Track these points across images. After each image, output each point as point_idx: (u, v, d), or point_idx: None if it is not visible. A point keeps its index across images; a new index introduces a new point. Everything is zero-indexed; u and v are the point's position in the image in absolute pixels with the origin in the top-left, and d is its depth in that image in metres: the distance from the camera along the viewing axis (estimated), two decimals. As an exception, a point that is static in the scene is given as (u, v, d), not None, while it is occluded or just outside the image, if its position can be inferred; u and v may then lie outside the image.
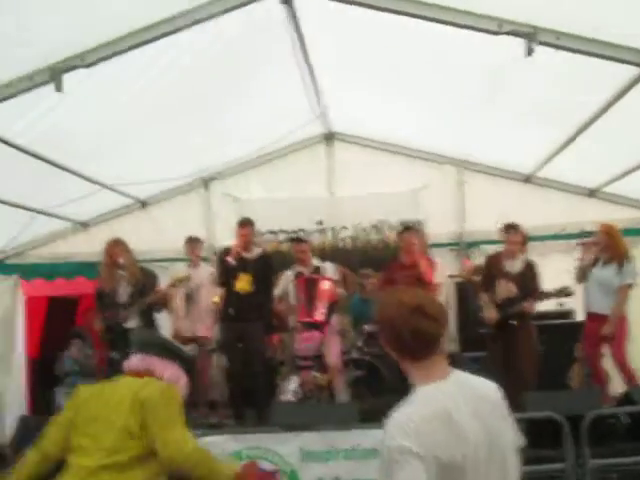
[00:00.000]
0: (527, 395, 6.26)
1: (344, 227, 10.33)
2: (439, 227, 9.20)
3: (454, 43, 6.25)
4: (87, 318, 10.22)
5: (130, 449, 3.50)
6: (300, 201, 10.30)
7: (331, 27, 6.82)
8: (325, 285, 7.91)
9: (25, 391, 10.04)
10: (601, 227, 7.87)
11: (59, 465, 3.61)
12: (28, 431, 6.54)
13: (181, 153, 8.94)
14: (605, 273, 7.66)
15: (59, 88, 5.56)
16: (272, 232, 10.35)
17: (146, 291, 7.92)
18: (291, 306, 8.26)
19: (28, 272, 10.19)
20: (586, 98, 6.94)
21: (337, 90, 8.54)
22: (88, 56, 5.63)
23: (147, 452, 3.52)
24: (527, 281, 7.69)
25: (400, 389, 2.71)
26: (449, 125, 8.94)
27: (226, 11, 5.81)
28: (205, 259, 9.42)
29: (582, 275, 7.79)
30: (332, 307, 7.97)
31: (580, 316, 8.68)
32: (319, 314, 7.85)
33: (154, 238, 10.19)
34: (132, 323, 7.83)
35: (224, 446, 5.63)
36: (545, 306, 8.84)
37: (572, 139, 8.07)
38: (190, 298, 8.80)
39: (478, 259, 9.43)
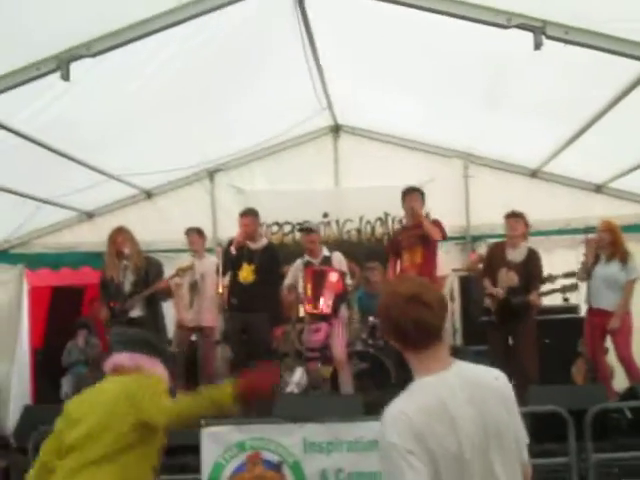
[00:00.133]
0: (531, 389, 6.27)
1: (349, 220, 10.32)
2: (445, 221, 9.13)
3: (462, 36, 6.23)
4: (93, 308, 10.25)
5: (109, 444, 3.53)
6: (305, 193, 10.29)
7: (339, 19, 6.81)
8: (333, 277, 7.88)
9: (29, 381, 10.07)
10: (603, 224, 7.87)
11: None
12: (32, 421, 6.56)
13: (186, 144, 8.94)
14: (610, 269, 7.67)
15: (66, 77, 5.54)
16: (277, 224, 10.36)
17: (150, 280, 7.92)
18: (300, 296, 8.25)
19: (33, 262, 10.21)
20: (594, 93, 6.93)
21: (344, 82, 8.53)
22: (95, 45, 5.60)
23: (127, 444, 3.56)
24: (529, 270, 7.70)
25: (404, 382, 2.70)
26: (456, 118, 8.93)
27: (233, 2, 5.78)
28: (210, 250, 9.42)
29: (586, 273, 7.79)
30: (339, 299, 7.94)
31: (584, 312, 8.67)
32: (325, 306, 7.84)
33: (159, 228, 10.22)
34: (136, 312, 7.85)
35: (228, 437, 5.64)
36: (550, 301, 8.85)
37: (579, 134, 8.05)
38: (195, 288, 8.79)
39: (483, 251, 9.43)
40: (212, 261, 8.80)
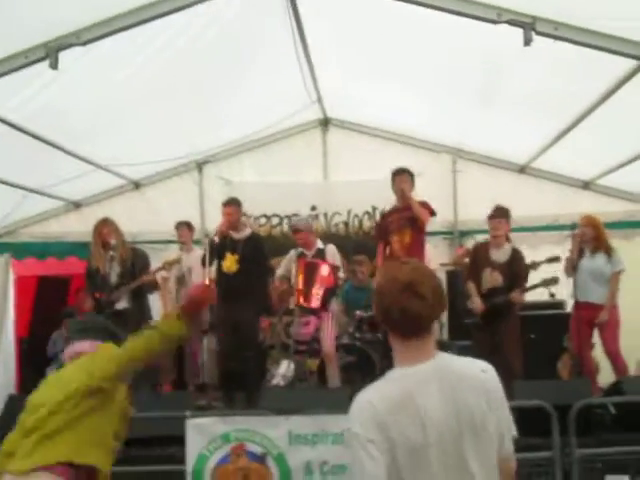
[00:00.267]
0: (516, 384, 6.29)
1: (337, 213, 10.33)
2: (432, 216, 9.22)
3: (452, 31, 6.24)
4: (78, 298, 10.22)
5: (67, 413, 3.59)
6: (293, 186, 10.28)
7: (330, 12, 6.81)
8: (324, 270, 7.87)
9: (14, 370, 10.04)
10: (585, 220, 7.91)
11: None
12: (16, 410, 6.52)
13: (175, 135, 8.92)
14: (595, 263, 7.72)
15: (54, 66, 5.52)
16: (265, 216, 10.36)
17: (136, 271, 7.90)
18: (292, 287, 8.23)
19: (19, 251, 10.16)
20: (582, 90, 6.95)
21: (334, 76, 8.53)
22: (84, 34, 5.58)
23: (84, 411, 3.61)
24: (513, 270, 7.72)
25: (389, 374, 2.72)
26: (445, 113, 8.94)
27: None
28: (197, 242, 9.40)
29: (571, 268, 7.82)
30: (330, 292, 7.93)
31: (570, 307, 8.71)
32: (315, 300, 7.83)
33: (147, 219, 10.22)
34: (123, 304, 7.83)
35: (212, 428, 5.64)
36: (536, 296, 8.89)
37: (567, 130, 8.09)
38: (182, 282, 8.79)
39: (470, 245, 9.46)
40: (199, 254, 8.79)
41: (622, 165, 8.80)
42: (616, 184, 9.81)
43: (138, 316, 7.86)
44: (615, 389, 6.59)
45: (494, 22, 5.56)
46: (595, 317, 7.59)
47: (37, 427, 3.58)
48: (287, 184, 10.26)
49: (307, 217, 8.88)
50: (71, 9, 5.38)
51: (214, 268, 8.20)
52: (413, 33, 6.68)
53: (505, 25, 5.53)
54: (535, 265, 7.81)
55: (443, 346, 8.46)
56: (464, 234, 10.28)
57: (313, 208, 9.79)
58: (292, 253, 8.24)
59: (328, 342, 7.92)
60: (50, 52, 5.50)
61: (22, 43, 5.55)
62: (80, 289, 9.94)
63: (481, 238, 9.05)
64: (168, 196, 10.44)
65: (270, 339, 9.23)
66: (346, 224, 10.35)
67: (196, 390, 8.39)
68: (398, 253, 7.56)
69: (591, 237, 7.78)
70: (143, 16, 5.69)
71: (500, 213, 7.91)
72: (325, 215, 10.24)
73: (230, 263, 8.03)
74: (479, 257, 7.98)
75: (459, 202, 10.35)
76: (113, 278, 7.83)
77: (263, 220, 10.35)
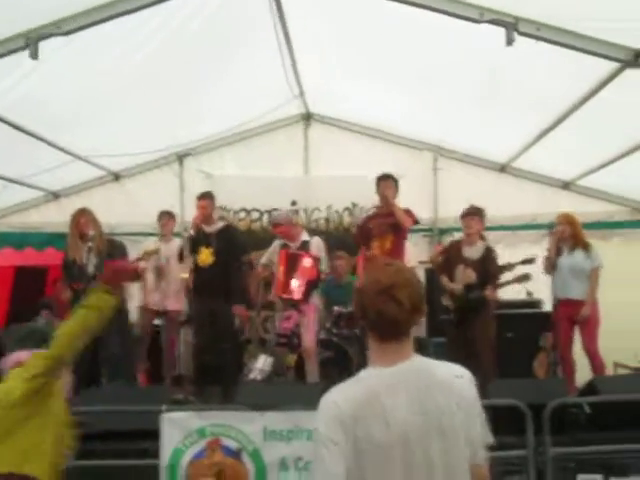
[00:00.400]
0: (492, 383, 6.32)
1: (317, 208, 10.32)
2: (413, 213, 9.24)
3: (435, 29, 6.25)
4: (56, 289, 10.16)
5: (7, 421, 3.52)
6: (274, 180, 10.26)
7: (312, 7, 6.80)
8: (306, 262, 7.85)
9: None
10: (562, 217, 7.96)
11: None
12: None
13: (156, 127, 8.88)
14: (574, 259, 7.77)
15: (34, 56, 5.48)
16: (245, 210, 10.34)
17: (114, 262, 7.87)
18: (273, 275, 8.20)
19: (-3, 240, 10.11)
20: (564, 90, 6.99)
21: (316, 71, 8.52)
22: (65, 24, 5.55)
23: (23, 416, 3.55)
24: (486, 267, 7.77)
25: (366, 370, 2.74)
26: (427, 111, 8.95)
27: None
28: (177, 234, 9.38)
29: (551, 266, 7.86)
30: (312, 285, 7.91)
31: (548, 306, 8.75)
32: (296, 291, 7.81)
33: (127, 211, 10.20)
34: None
35: (188, 422, 5.61)
36: (513, 295, 8.94)
37: (548, 131, 8.13)
38: (160, 272, 8.75)
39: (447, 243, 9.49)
40: (177, 245, 8.76)
41: (602, 166, 8.86)
42: (595, 185, 9.87)
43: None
44: (590, 388, 6.62)
45: (476, 21, 5.58)
46: (576, 313, 7.63)
47: None
48: (267, 178, 10.24)
49: (287, 211, 8.85)
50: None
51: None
52: (396, 30, 6.68)
53: (487, 25, 5.56)
54: (510, 267, 7.84)
55: (420, 343, 8.50)
56: (444, 232, 10.31)
57: (293, 203, 9.77)
58: (276, 243, 8.23)
59: (308, 337, 7.91)
60: (30, 42, 5.46)
61: (2, 32, 5.51)
62: (58, 280, 9.86)
63: (460, 236, 9.08)
64: (148, 188, 10.39)
65: (248, 333, 9.23)
66: (326, 220, 10.35)
67: (172, 382, 8.36)
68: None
69: (569, 234, 7.84)
70: (125, 7, 5.67)
71: (472, 211, 7.96)
72: (305, 210, 10.24)
73: (205, 256, 8.04)
74: (452, 254, 8.02)
75: (439, 200, 10.39)
76: (90, 269, 7.76)
77: (243, 214, 10.33)
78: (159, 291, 8.71)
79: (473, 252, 7.88)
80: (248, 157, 10.46)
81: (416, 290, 2.67)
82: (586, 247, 7.80)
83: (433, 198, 10.42)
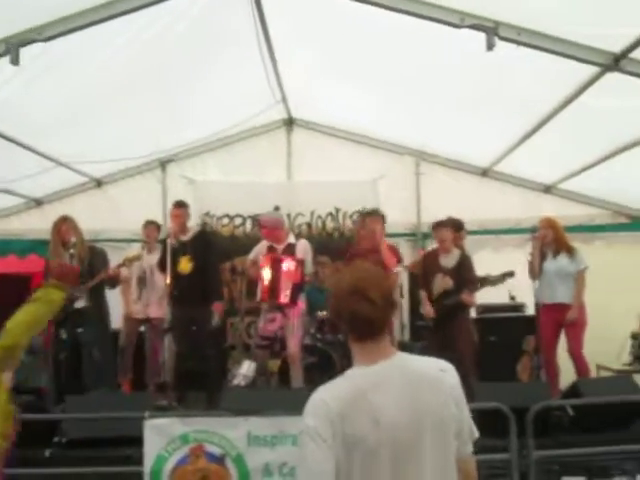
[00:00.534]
0: (475, 386, 6.33)
1: (300, 214, 10.31)
2: (396, 217, 9.23)
3: (417, 35, 6.26)
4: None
5: None
6: (257, 186, 10.23)
7: (294, 13, 6.80)
8: (288, 266, 7.83)
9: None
10: (544, 222, 8.02)
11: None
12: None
13: (139, 133, 8.85)
14: (559, 263, 7.81)
15: (15, 62, 5.45)
16: (228, 216, 10.32)
17: (95, 270, 7.85)
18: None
19: (-21, 248, 10.03)
20: (544, 95, 7.02)
21: (298, 76, 8.51)
22: (46, 30, 5.52)
23: None
24: (462, 274, 7.86)
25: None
26: (409, 116, 8.97)
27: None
28: (162, 241, 9.35)
29: (535, 271, 7.90)
30: (297, 288, 7.89)
31: (531, 310, 8.79)
32: (283, 296, 7.79)
33: (110, 217, 10.16)
34: (81, 303, 7.78)
35: (171, 429, 5.60)
36: (497, 299, 8.99)
37: (529, 135, 8.16)
38: (143, 280, 8.73)
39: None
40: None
41: (583, 170, 8.90)
42: (577, 188, 9.93)
43: (96, 314, 7.84)
44: (573, 391, 6.65)
45: (457, 26, 5.60)
46: (563, 317, 7.66)
47: None
48: (250, 184, 10.21)
49: (275, 213, 8.83)
50: (33, 5, 5.32)
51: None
52: (378, 36, 6.69)
53: (468, 30, 5.58)
54: (490, 281, 7.91)
55: (404, 347, 8.51)
56: (427, 236, 10.32)
57: (276, 208, 9.71)
58: (264, 243, 8.20)
59: (293, 342, 7.89)
60: (11, 47, 5.42)
61: (-19, 38, 5.48)
62: (40, 287, 9.81)
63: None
64: (131, 194, 10.34)
65: (231, 339, 9.20)
66: (309, 225, 10.34)
67: (156, 389, 8.33)
68: None
69: (551, 239, 7.88)
70: (106, 13, 5.64)
71: (442, 222, 8.12)
72: (288, 216, 10.20)
73: (183, 265, 8.03)
74: (429, 264, 8.16)
75: (422, 204, 10.40)
76: (72, 277, 7.74)
77: (226, 220, 10.31)
78: (142, 300, 8.69)
79: (449, 260, 8.01)
80: (231, 163, 10.43)
81: (386, 288, 2.74)
82: (570, 250, 7.84)
83: (416, 202, 10.43)
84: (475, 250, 9.21)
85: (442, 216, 8.36)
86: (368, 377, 2.63)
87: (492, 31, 5.48)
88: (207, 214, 10.22)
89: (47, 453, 5.94)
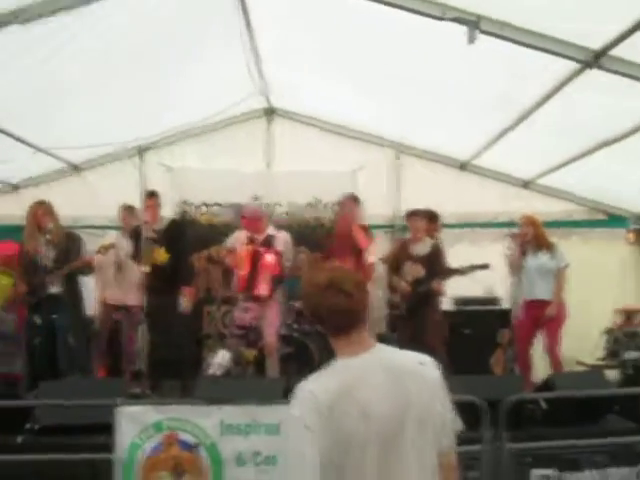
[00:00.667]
0: (448, 378, 6.35)
1: (279, 204, 10.29)
2: (374, 209, 9.25)
3: (398, 27, 6.26)
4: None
5: None
6: (235, 175, 10.20)
7: (276, 2, 6.77)
8: (269, 259, 7.82)
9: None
10: (525, 219, 8.09)
11: None
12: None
13: (117, 120, 8.76)
14: (540, 260, 7.88)
15: (-9, 44, 5.41)
16: (206, 205, 10.28)
17: (71, 255, 7.81)
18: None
19: (-47, 233, 9.92)
20: (524, 89, 7.04)
21: (279, 66, 8.49)
22: (23, 13, 5.46)
23: None
24: (433, 262, 7.94)
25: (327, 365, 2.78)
26: (389, 108, 8.97)
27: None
28: (133, 231, 9.30)
29: (516, 268, 7.94)
30: (276, 280, 7.88)
31: (506, 303, 8.85)
32: (261, 288, 7.78)
33: (87, 204, 10.08)
34: (55, 288, 7.72)
35: (144, 417, 5.58)
36: (472, 292, 9.03)
37: (509, 130, 8.19)
38: (120, 267, 8.69)
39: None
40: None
41: (561, 166, 8.95)
42: (555, 184, 9.98)
43: (71, 300, 7.80)
44: (546, 385, 6.71)
45: (439, 19, 5.60)
46: (542, 314, 7.72)
47: None
48: (229, 173, 10.17)
49: (256, 204, 8.79)
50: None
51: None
52: (359, 27, 6.68)
53: (450, 22, 5.58)
54: (460, 271, 7.95)
55: (382, 338, 8.51)
56: (405, 228, 10.31)
57: (255, 198, 9.74)
58: (243, 232, 8.17)
59: (270, 332, 7.88)
60: (-15, 30, 5.38)
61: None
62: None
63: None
64: (108, 181, 10.25)
65: (207, 328, 9.18)
66: (287, 215, 10.32)
67: (131, 377, 8.31)
68: None
69: (532, 236, 7.93)
70: (86, -4, 5.60)
71: (416, 212, 8.26)
72: (267, 205, 10.17)
73: (159, 255, 8.01)
74: (400, 252, 8.28)
75: (401, 196, 10.39)
76: (47, 262, 7.71)
77: (204, 208, 10.28)
78: (119, 286, 8.65)
79: (420, 249, 8.13)
80: (210, 151, 10.37)
81: (359, 280, 2.81)
82: (550, 247, 7.92)
83: (395, 194, 10.43)
84: (452, 243, 9.29)
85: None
86: (353, 370, 2.66)
87: (474, 25, 5.48)
88: (185, 202, 10.18)
89: (19, 439, 5.91)
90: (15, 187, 10.24)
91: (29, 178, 10.18)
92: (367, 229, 8.01)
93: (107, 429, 5.63)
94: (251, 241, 8.00)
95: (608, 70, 5.83)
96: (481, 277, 8.30)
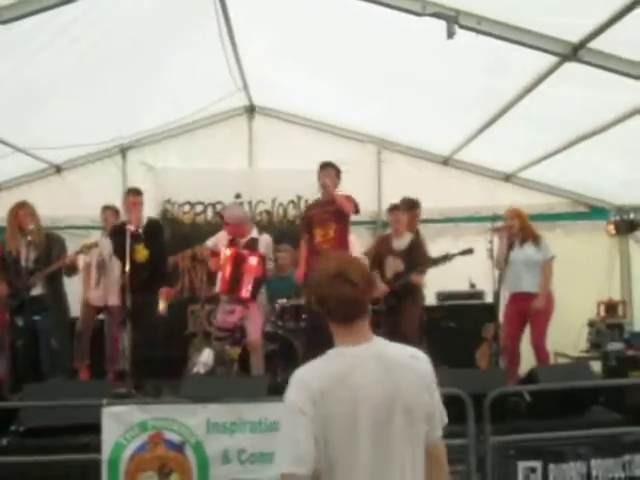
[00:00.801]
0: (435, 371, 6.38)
1: (261, 201, 10.28)
2: (357, 205, 9.28)
3: (378, 22, 6.27)
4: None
5: None
6: (218, 173, 10.19)
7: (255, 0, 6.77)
8: (252, 261, 7.80)
9: None
10: (510, 212, 8.09)
11: None
12: None
13: (99, 119, 8.74)
14: (526, 252, 7.88)
15: (-29, 44, 5.38)
16: (189, 204, 10.25)
17: (52, 257, 7.78)
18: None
19: None
20: (504, 83, 7.07)
21: (260, 63, 8.48)
22: (5, 12, 5.44)
23: None
24: (413, 256, 8.04)
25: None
26: (371, 104, 8.99)
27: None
28: (113, 229, 9.26)
29: (502, 261, 7.96)
30: (258, 282, 7.87)
31: (490, 298, 8.87)
32: (244, 291, 7.76)
33: (69, 204, 10.04)
34: (38, 290, 7.70)
35: (129, 416, 5.56)
36: (457, 286, 9.06)
37: (490, 124, 8.23)
38: (102, 267, 8.65)
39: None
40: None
41: (542, 159, 9.00)
42: (537, 177, 10.04)
43: (53, 302, 7.76)
44: (530, 377, 6.73)
45: (418, 14, 5.62)
46: (528, 306, 7.73)
47: None
48: (212, 171, 10.15)
49: (239, 209, 8.74)
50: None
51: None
52: (340, 23, 6.70)
53: (429, 18, 5.60)
54: (449, 257, 8.00)
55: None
56: (387, 224, 10.35)
57: (237, 196, 9.72)
58: (225, 233, 8.13)
59: (254, 329, 7.86)
60: (-35, 30, 5.35)
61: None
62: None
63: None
64: (90, 181, 10.21)
65: (192, 327, 9.16)
66: (270, 213, 10.32)
67: (115, 377, 8.28)
68: (322, 246, 7.60)
69: (518, 228, 7.96)
70: (65, -4, 5.57)
71: (397, 206, 8.34)
72: (249, 203, 10.19)
73: (139, 253, 7.97)
74: (382, 247, 8.37)
75: (383, 192, 10.42)
76: (29, 263, 7.66)
77: (187, 207, 10.25)
78: (101, 286, 8.60)
79: (401, 243, 8.22)
80: (192, 150, 10.36)
81: (364, 271, 2.88)
82: (536, 239, 7.93)
83: (377, 190, 10.47)
84: (435, 238, 9.35)
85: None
86: (348, 358, 2.73)
87: (453, 19, 5.51)
88: (168, 201, 10.15)
89: (4, 442, 5.88)
90: (-5, 188, 10.18)
91: (10, 179, 10.11)
92: (350, 197, 7.89)
93: (92, 430, 5.61)
94: (234, 244, 7.97)
95: (587, 63, 5.87)
96: (465, 271, 8.36)
